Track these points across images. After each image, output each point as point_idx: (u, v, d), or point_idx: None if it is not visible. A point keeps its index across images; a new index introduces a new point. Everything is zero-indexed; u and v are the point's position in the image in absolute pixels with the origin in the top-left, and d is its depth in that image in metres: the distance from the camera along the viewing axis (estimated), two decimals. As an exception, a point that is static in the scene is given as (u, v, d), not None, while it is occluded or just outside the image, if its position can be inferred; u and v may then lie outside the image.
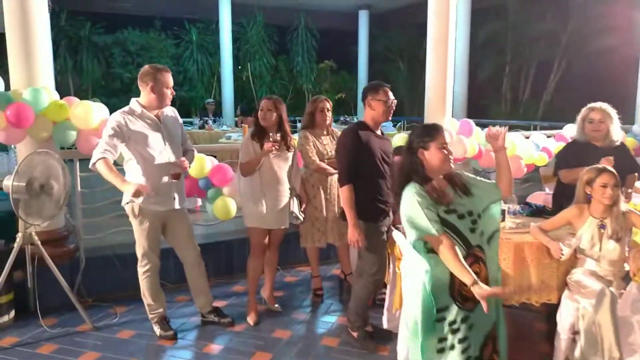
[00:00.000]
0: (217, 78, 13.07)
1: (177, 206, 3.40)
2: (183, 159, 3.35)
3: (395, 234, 3.03)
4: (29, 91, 3.53)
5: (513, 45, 13.30)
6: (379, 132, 3.30)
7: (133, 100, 3.31)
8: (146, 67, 3.30)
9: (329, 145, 4.08)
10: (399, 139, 4.93)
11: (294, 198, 3.76)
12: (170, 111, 3.43)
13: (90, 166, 3.10)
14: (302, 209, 3.82)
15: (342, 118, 11.26)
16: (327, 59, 14.92)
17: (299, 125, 12.92)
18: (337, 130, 4.20)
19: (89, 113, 3.70)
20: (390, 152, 3.33)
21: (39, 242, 3.46)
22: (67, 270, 3.92)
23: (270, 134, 3.48)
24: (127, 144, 3.19)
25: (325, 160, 4.01)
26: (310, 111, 4.03)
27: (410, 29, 15.51)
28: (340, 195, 3.18)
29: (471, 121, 5.56)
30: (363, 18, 14.66)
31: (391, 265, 3.27)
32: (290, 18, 14.07)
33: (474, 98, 12.02)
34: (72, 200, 4.12)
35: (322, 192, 4.03)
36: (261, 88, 13.92)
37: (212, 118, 9.35)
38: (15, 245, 3.39)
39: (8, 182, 3.32)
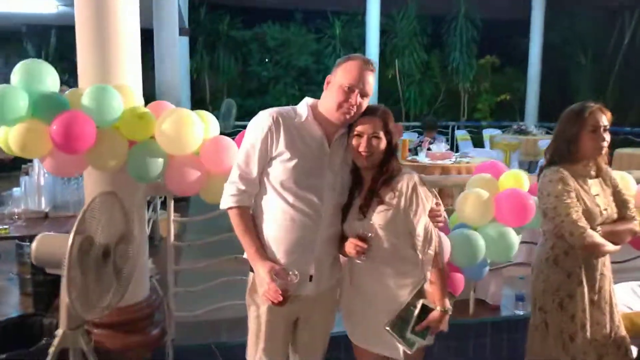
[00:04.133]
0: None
1: (311, 290, 1.84)
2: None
3: None
4: (90, 92, 2.13)
5: None
6: None
7: (305, 99, 1.90)
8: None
9: (602, 195, 2.13)
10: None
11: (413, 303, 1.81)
12: None
13: (220, 207, 1.88)
14: (423, 322, 1.77)
15: (515, 125, 8.91)
16: (488, 54, 12.48)
17: (457, 133, 10.79)
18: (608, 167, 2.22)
19: (185, 128, 2.20)
20: None
21: (88, 349, 2.03)
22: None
23: (356, 222, 1.80)
24: (265, 166, 1.81)
25: (598, 229, 2.07)
26: (571, 131, 2.10)
27: (597, 15, 12.56)
28: None
29: None
30: (538, 3, 11.96)
31: None
32: (447, 6, 11.89)
33: None
34: (162, 257, 2.72)
35: (584, 287, 2.10)
36: (409, 87, 12.00)
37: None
38: (52, 352, 1.99)
39: (50, 249, 1.95)
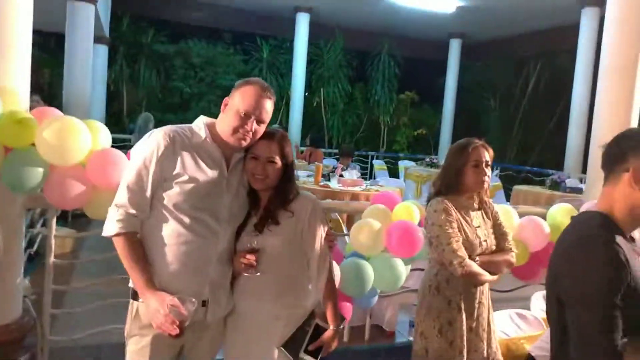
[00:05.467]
0: (285, 102, 11.57)
1: (209, 316, 1.77)
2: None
3: None
4: (-39, 91, 1.95)
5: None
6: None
7: (201, 118, 1.83)
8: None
9: (482, 227, 2.24)
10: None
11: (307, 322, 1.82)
12: None
13: (103, 234, 1.70)
14: (316, 345, 1.78)
15: (427, 159, 9.34)
16: (408, 90, 13.12)
17: (375, 163, 11.13)
18: (489, 200, 2.36)
19: (69, 137, 2.07)
20: None
21: None
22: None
23: (246, 237, 1.79)
24: (159, 188, 1.69)
25: (477, 259, 2.17)
26: (455, 165, 2.21)
27: (506, 63, 13.65)
28: None
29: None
30: (454, 47, 12.81)
31: None
32: (373, 43, 12.42)
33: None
34: (39, 276, 2.52)
35: (463, 314, 2.18)
36: (333, 116, 12.28)
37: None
38: None
39: None
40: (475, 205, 2.25)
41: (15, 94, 2.16)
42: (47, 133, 2.04)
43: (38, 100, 4.88)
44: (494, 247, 2.24)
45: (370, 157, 11.74)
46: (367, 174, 11.02)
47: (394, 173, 10.68)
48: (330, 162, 8.70)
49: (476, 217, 2.24)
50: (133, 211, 1.65)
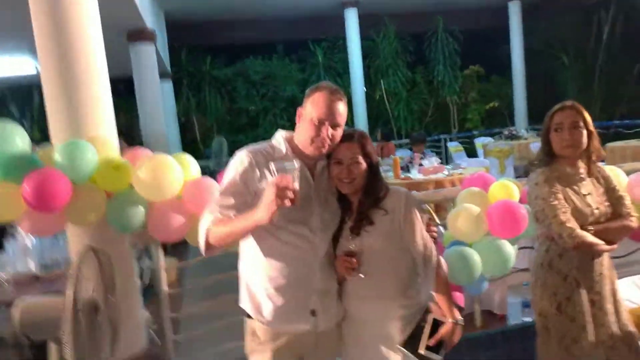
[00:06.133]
0: (347, 101, 11.53)
1: (320, 325, 1.76)
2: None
3: None
4: (62, 148, 2.10)
5: None
6: None
7: (280, 132, 1.81)
8: None
9: (593, 194, 2.07)
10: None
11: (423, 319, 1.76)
12: None
13: (203, 253, 1.69)
14: (435, 340, 1.71)
15: (506, 131, 8.91)
16: (472, 64, 12.59)
17: (450, 145, 10.78)
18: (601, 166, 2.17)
19: (163, 174, 2.16)
20: None
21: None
22: None
23: (344, 242, 1.77)
24: (252, 206, 1.61)
25: (590, 229, 2.00)
26: (544, 133, 2.11)
27: (574, 15, 12.70)
28: None
29: None
30: (514, 10, 12.14)
31: None
32: (426, 23, 12.06)
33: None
34: (157, 307, 2.65)
35: (582, 289, 2.03)
36: (397, 106, 12.06)
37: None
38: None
39: (35, 316, 1.89)
40: (582, 172, 2.08)
41: (106, 141, 2.29)
42: (142, 173, 2.14)
43: (122, 143, 5.20)
44: (609, 215, 2.07)
45: (443, 140, 11.40)
46: (444, 158, 10.71)
47: (470, 152, 10.27)
48: (402, 153, 8.54)
49: (585, 185, 2.08)
50: (218, 215, 1.65)
